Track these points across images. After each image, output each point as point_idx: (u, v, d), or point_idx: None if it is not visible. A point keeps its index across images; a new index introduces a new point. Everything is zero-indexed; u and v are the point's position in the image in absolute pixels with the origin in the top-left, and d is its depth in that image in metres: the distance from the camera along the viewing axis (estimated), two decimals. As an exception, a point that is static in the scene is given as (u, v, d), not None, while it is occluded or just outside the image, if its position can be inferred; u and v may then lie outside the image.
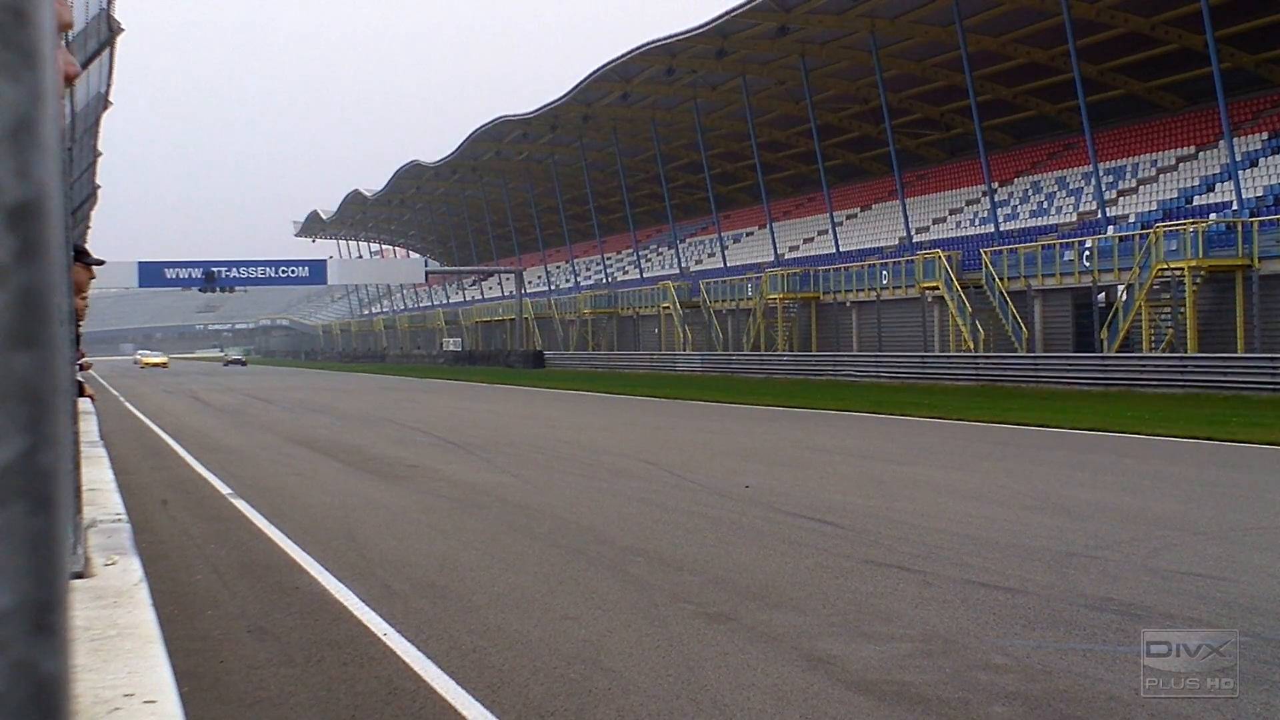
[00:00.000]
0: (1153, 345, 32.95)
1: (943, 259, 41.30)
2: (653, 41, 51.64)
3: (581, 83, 58.11)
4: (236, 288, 74.84)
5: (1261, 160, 38.26)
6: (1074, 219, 43.74)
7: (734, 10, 45.62)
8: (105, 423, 18.16)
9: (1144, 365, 31.66)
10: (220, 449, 20.17)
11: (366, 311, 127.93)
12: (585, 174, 71.80)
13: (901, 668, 6.22)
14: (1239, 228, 31.70)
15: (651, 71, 55.43)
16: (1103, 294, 36.07)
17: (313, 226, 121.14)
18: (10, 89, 0.56)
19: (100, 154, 22.57)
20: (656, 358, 57.76)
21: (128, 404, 35.09)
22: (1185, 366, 30.30)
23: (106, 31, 10.64)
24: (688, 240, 73.05)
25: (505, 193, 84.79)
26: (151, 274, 71.43)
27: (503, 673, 6.29)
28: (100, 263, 5.98)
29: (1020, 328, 38.23)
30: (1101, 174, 41.59)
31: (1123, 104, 47.97)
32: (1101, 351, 34.37)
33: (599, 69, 56.26)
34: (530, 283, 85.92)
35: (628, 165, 70.11)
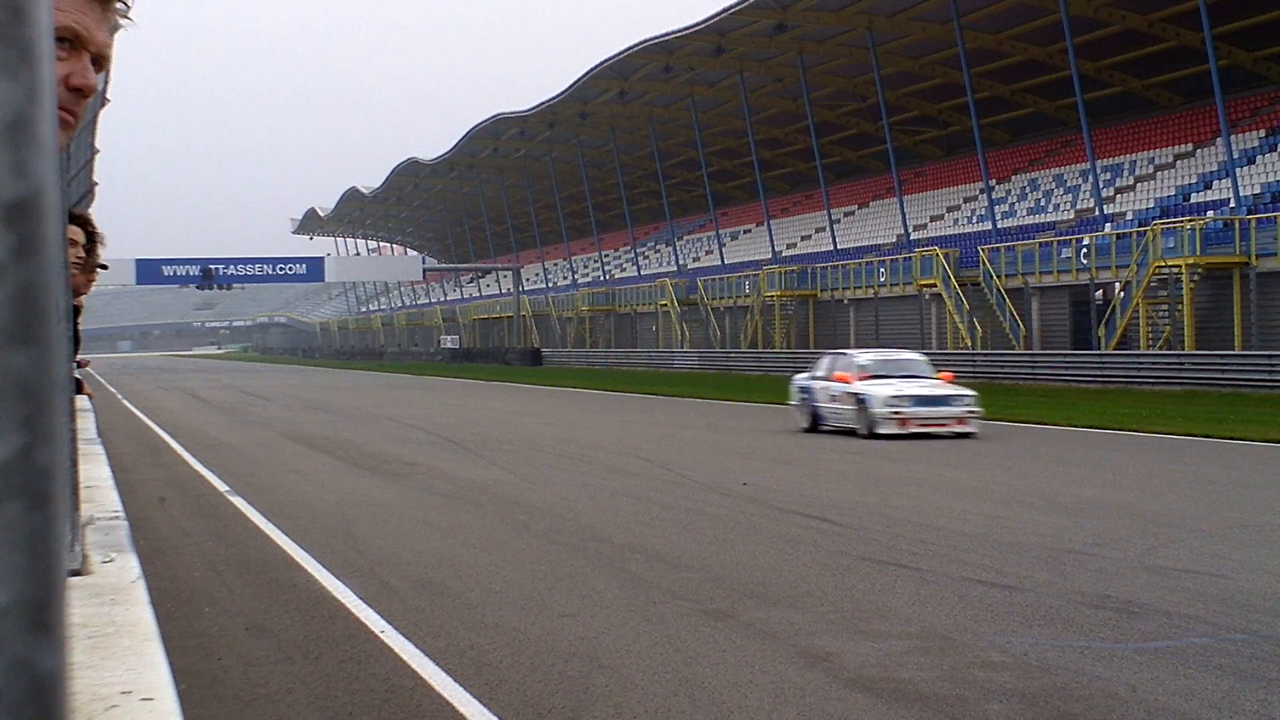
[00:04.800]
0: (1150, 343, 32.96)
1: (940, 256, 41.30)
2: (650, 39, 51.62)
3: (579, 80, 58.08)
4: (234, 285, 74.85)
5: (1259, 157, 38.27)
6: (1071, 216, 43.75)
7: (731, 8, 45.61)
8: (103, 420, 18.15)
9: (1141, 363, 31.69)
10: (218, 446, 20.16)
11: (364, 309, 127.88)
12: (583, 171, 71.79)
13: (899, 665, 6.22)
14: (1236, 225, 31.72)
15: (649, 69, 55.39)
16: (1100, 291, 36.08)
17: (310, 224, 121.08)
18: (7, 86, 0.56)
19: (98, 151, 22.53)
20: (654, 355, 57.77)
21: (126, 402, 35.08)
22: (1182, 364, 30.32)
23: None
24: (685, 238, 73.05)
25: (503, 190, 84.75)
26: (149, 271, 71.40)
27: (500, 670, 6.29)
28: (104, 267, 6.00)
29: (1018, 325, 38.24)
30: (1099, 171, 41.59)
31: (1120, 101, 47.97)
32: (1099, 349, 34.38)
33: (596, 66, 56.24)
34: (528, 280, 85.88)
35: (625, 163, 70.09)
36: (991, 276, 39.30)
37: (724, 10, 46.08)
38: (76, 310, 5.49)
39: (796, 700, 5.68)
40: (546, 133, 69.43)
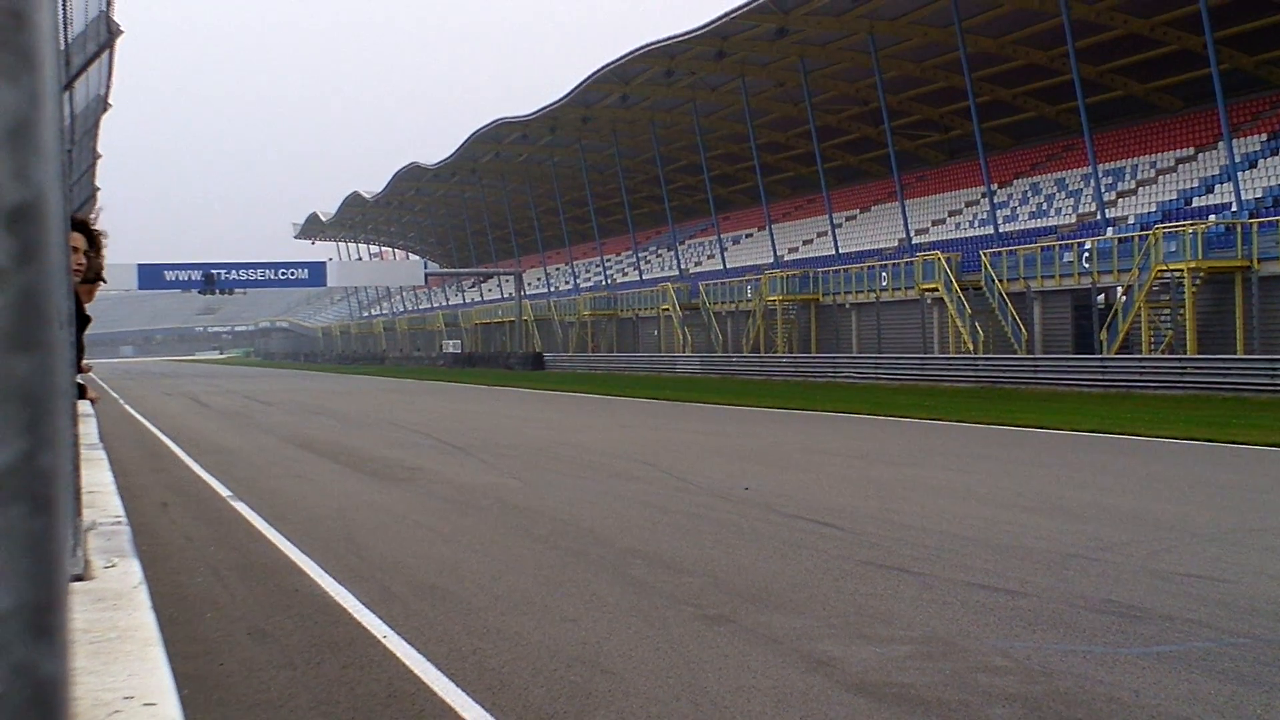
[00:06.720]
0: (1152, 347, 32.95)
1: (942, 261, 41.31)
2: (652, 43, 51.66)
3: (581, 85, 58.13)
4: (236, 290, 74.78)
5: (1260, 161, 38.27)
6: (1073, 220, 43.76)
7: (733, 12, 45.65)
8: (105, 425, 18.16)
9: (1143, 367, 31.67)
10: (220, 451, 20.16)
11: (366, 314, 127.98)
12: (584, 176, 71.83)
13: (901, 670, 6.22)
14: (1238, 229, 31.72)
15: (651, 73, 55.45)
16: (1102, 295, 36.08)
17: (312, 228, 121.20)
18: (9, 91, 0.56)
19: (100, 156, 22.59)
20: (656, 360, 57.78)
21: (127, 407, 35.10)
22: (1184, 368, 30.30)
23: (105, 34, 10.65)
24: (687, 242, 73.07)
25: (504, 195, 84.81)
26: (151, 276, 71.44)
27: (503, 675, 6.29)
28: (104, 280, 6.04)
29: (1020, 329, 38.24)
30: (1101, 175, 41.60)
31: (1122, 105, 47.99)
32: (1101, 353, 34.37)
33: (598, 71, 56.29)
34: (530, 285, 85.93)
35: (627, 167, 70.12)
36: (993, 280, 39.31)
37: (726, 14, 46.12)
38: (86, 321, 5.50)
39: (799, 705, 5.68)
40: (548, 137, 69.48)
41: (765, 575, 8.67)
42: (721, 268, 62.00)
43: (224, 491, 14.46)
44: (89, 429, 7.72)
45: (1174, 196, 40.38)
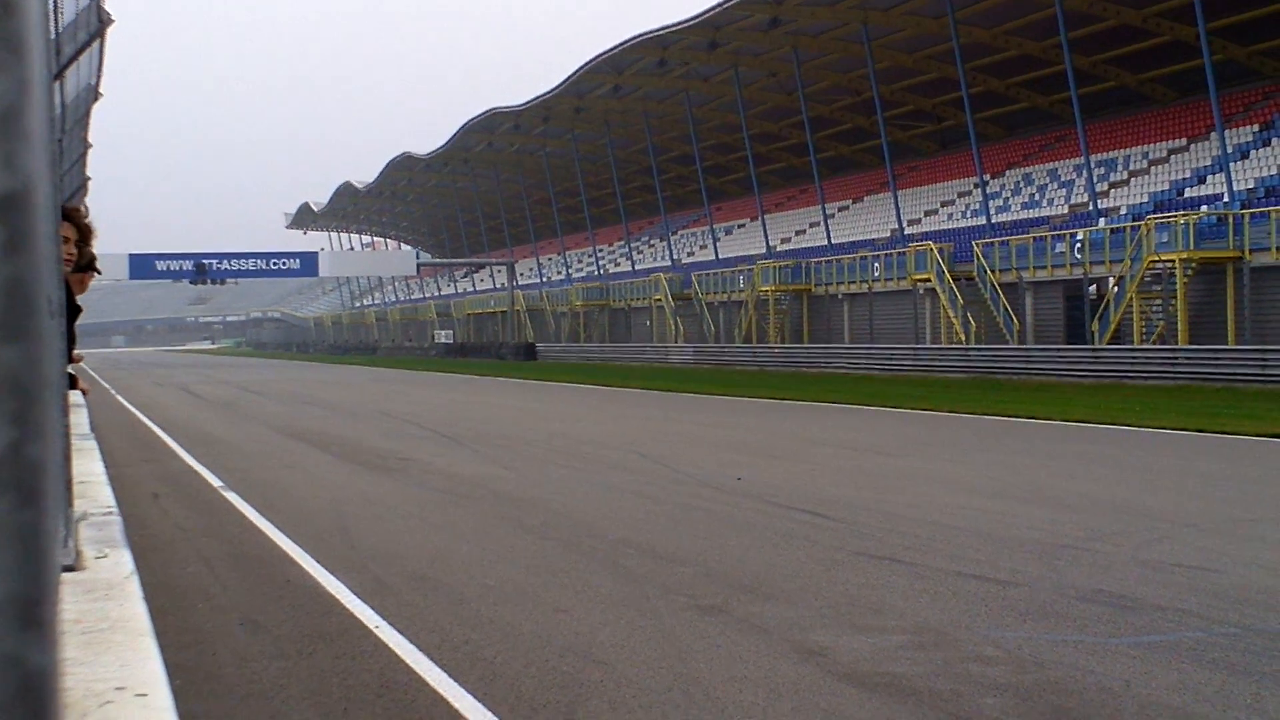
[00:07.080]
0: (1144, 337, 33.02)
1: (934, 251, 41.32)
2: (645, 33, 51.57)
3: (573, 75, 58.04)
4: (227, 280, 74.65)
5: (1253, 152, 38.32)
6: (1065, 211, 43.80)
7: (726, 2, 45.58)
8: (97, 415, 18.11)
9: (1135, 357, 31.74)
10: (212, 441, 20.14)
11: (358, 304, 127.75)
12: (577, 166, 71.74)
13: (893, 659, 6.23)
14: (1230, 220, 31.76)
15: (643, 63, 55.36)
16: (1094, 286, 36.14)
17: (304, 218, 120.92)
18: (-3, 79, 0.56)
19: (90, 145, 22.53)
20: (648, 350, 57.79)
21: (119, 397, 35.03)
22: (1176, 358, 30.38)
23: (96, 23, 10.60)
24: (680, 232, 73.03)
25: (497, 185, 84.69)
26: (142, 266, 71.29)
27: (495, 665, 6.29)
28: (98, 271, 6.03)
29: (1012, 320, 38.28)
30: (1093, 166, 41.62)
31: (1114, 96, 48.01)
32: (1093, 343, 34.43)
33: (591, 61, 56.19)
34: (522, 275, 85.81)
35: (620, 157, 70.05)
36: (985, 271, 39.34)
37: (719, 4, 46.04)
38: (77, 311, 5.49)
39: (791, 695, 5.69)
40: (541, 127, 69.37)
41: (758, 565, 8.68)
42: (714, 258, 61.98)
43: (216, 482, 14.44)
44: (80, 419, 7.69)
45: (1166, 187, 40.43)
